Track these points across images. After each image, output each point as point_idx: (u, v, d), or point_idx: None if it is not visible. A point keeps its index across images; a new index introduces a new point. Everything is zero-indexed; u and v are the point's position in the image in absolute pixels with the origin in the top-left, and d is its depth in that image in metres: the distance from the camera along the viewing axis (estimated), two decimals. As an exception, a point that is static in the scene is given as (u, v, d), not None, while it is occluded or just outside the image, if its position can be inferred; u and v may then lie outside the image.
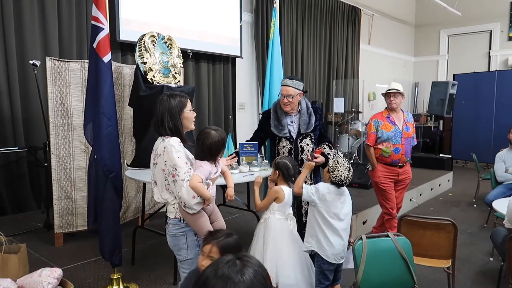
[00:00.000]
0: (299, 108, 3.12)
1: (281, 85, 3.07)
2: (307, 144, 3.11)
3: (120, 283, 2.92)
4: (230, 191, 2.21)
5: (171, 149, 2.00)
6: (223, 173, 2.31)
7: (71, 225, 3.83)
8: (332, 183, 2.51)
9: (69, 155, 3.78)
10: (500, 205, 3.19)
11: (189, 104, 2.18)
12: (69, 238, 3.88)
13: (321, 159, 3.00)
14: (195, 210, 2.01)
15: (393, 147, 3.63)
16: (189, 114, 2.17)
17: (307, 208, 3.07)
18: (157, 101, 2.15)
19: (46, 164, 4.14)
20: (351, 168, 2.53)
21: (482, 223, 4.78)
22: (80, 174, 3.83)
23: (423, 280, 3.17)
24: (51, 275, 2.56)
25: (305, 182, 3.08)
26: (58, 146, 3.71)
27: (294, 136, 3.10)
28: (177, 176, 1.98)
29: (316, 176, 3.19)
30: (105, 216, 2.73)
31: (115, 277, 2.90)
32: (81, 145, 3.80)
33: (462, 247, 3.92)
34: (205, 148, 2.08)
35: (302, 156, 3.09)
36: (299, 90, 3.04)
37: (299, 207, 3.10)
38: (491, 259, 3.73)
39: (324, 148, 3.13)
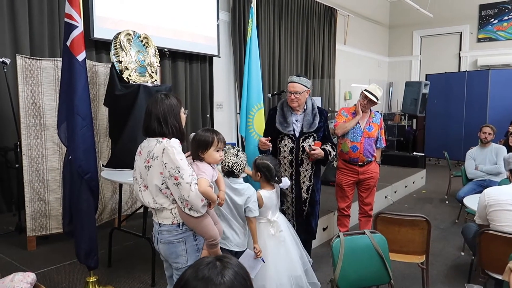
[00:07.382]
0: (305, 107, 3.14)
1: (288, 82, 3.10)
2: (309, 145, 3.09)
3: (97, 286, 2.87)
4: (222, 194, 2.15)
5: (172, 151, 1.91)
6: None
7: (45, 227, 3.73)
8: (225, 174, 2.43)
9: (42, 156, 3.67)
10: (471, 202, 3.28)
11: (182, 106, 2.13)
12: (42, 241, 3.77)
13: (319, 151, 3.00)
14: (201, 213, 1.95)
15: (351, 144, 3.59)
16: (183, 116, 2.12)
17: (306, 196, 3.10)
18: (148, 102, 2.07)
19: (17, 166, 4.01)
20: (240, 154, 2.43)
21: (454, 219, 4.93)
22: (53, 176, 3.72)
23: (398, 275, 3.25)
24: (24, 279, 2.48)
25: (303, 182, 3.10)
26: (30, 147, 3.61)
27: (297, 135, 3.09)
28: (181, 178, 1.89)
29: (316, 176, 3.15)
30: (80, 218, 2.68)
31: (91, 280, 2.85)
32: (55, 145, 3.70)
33: (435, 242, 4.04)
34: (195, 142, 2.09)
35: (302, 156, 3.08)
36: (306, 87, 3.06)
37: (298, 198, 3.09)
38: (462, 253, 3.85)
39: (326, 146, 3.14)
